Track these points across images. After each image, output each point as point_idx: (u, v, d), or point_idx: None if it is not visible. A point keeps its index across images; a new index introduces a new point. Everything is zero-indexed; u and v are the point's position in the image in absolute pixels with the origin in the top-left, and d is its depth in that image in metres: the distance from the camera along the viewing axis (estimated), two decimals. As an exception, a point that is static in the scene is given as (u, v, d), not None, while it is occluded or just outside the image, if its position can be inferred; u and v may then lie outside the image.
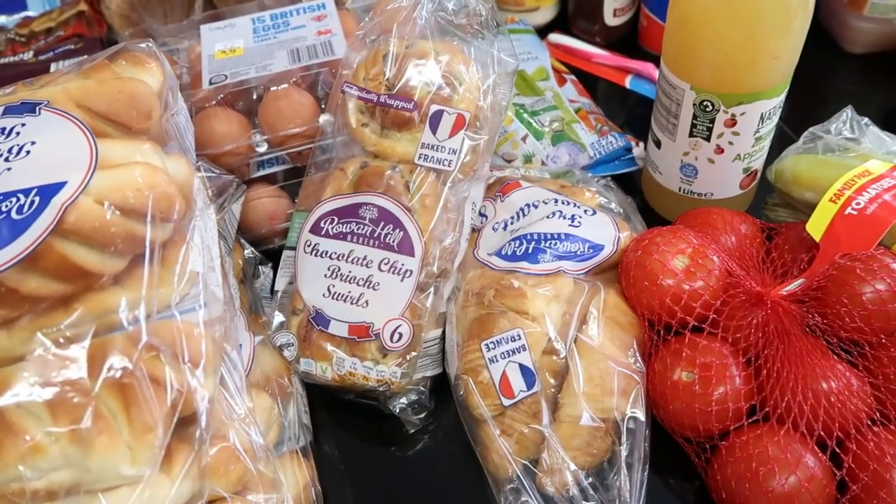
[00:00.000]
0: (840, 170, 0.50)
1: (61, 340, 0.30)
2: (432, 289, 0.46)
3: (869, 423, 0.42)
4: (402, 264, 0.45)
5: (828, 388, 0.42)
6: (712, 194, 0.56)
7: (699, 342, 0.44)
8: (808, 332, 0.45)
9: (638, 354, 0.45)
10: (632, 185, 0.63)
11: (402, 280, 0.45)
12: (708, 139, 0.52)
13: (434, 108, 0.46)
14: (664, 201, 0.59)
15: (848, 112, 0.55)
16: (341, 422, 0.49)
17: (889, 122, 0.69)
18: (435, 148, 0.46)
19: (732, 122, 0.51)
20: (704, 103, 0.50)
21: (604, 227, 0.49)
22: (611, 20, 0.77)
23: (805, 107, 0.69)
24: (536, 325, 0.43)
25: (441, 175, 0.47)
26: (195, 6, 0.74)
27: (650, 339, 0.46)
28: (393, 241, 0.45)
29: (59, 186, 0.32)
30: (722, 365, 0.43)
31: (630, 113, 0.72)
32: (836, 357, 0.44)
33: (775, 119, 0.53)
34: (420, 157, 0.47)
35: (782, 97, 0.51)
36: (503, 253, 0.47)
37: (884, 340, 0.43)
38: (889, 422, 0.42)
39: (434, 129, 0.46)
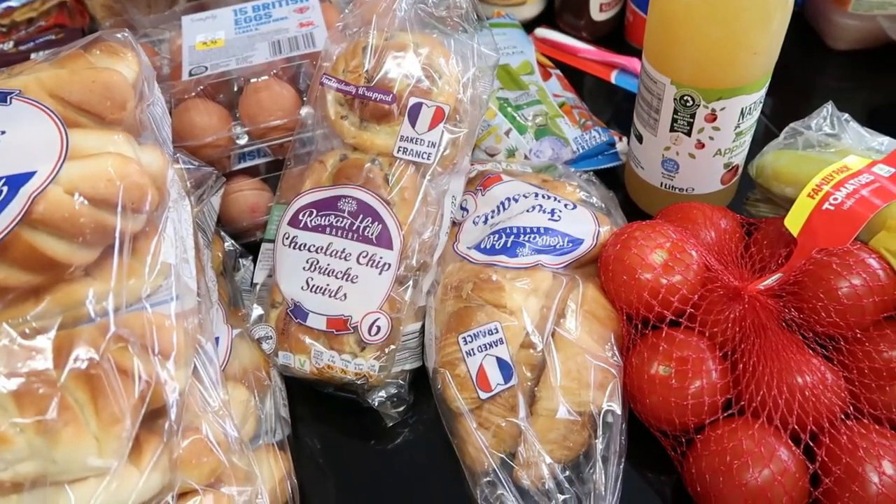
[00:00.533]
0: (820, 165, 0.50)
1: (27, 331, 0.30)
2: (411, 282, 0.46)
3: (842, 416, 0.42)
4: (381, 257, 0.45)
5: (802, 383, 0.42)
6: (693, 189, 0.56)
7: (676, 336, 0.44)
8: (784, 327, 0.45)
9: (615, 348, 0.45)
10: (614, 179, 0.63)
11: (380, 273, 0.44)
12: (689, 134, 0.52)
13: (413, 100, 0.46)
14: (646, 196, 0.59)
15: (828, 108, 0.55)
16: (320, 415, 0.49)
17: (873, 119, 0.69)
18: (414, 141, 0.46)
19: (713, 117, 0.51)
20: (685, 98, 0.50)
21: (584, 222, 0.49)
22: (597, 15, 0.77)
23: (788, 103, 0.70)
24: (514, 319, 0.43)
25: (420, 168, 0.47)
26: (178, -3, 0.74)
27: (628, 334, 0.46)
28: (371, 235, 0.45)
29: (28, 176, 0.32)
30: (698, 359, 0.43)
31: (615, 108, 0.72)
32: (811, 351, 0.44)
33: (756, 114, 0.53)
34: (399, 150, 0.46)
35: (762, 92, 0.51)
36: (482, 246, 0.47)
37: (859, 335, 0.44)
38: (862, 416, 0.42)
39: (413, 122, 0.46)
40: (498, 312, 0.43)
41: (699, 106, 0.50)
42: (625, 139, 0.63)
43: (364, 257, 0.45)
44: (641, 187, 0.59)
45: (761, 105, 0.53)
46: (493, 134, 0.62)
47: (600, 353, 0.43)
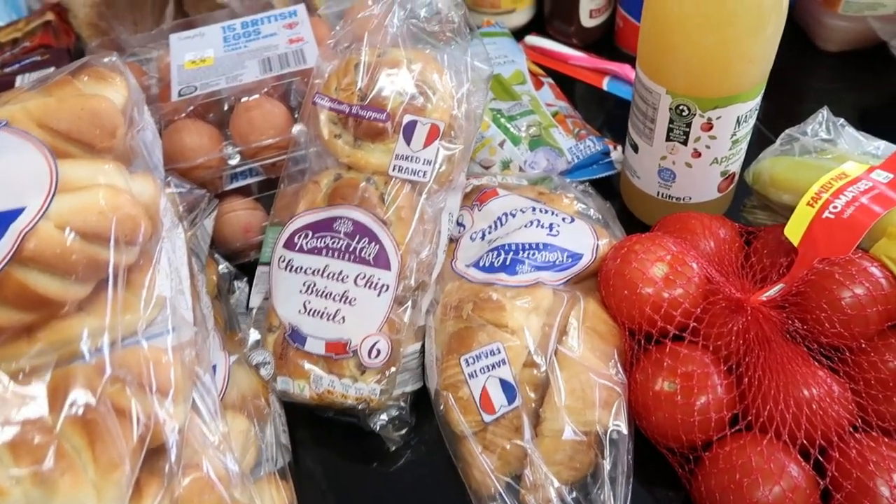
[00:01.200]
0: (817, 172, 0.50)
1: (21, 376, 0.29)
2: (410, 302, 0.45)
3: (851, 429, 0.42)
4: (379, 278, 0.44)
5: (809, 396, 0.41)
6: (690, 198, 0.56)
7: (680, 351, 0.44)
8: (788, 339, 0.44)
9: (619, 365, 0.44)
10: (610, 189, 0.62)
11: (378, 295, 0.44)
12: (685, 143, 0.52)
13: (407, 118, 0.46)
14: (642, 206, 0.59)
15: (824, 113, 0.55)
16: (321, 439, 0.48)
17: (865, 120, 0.69)
18: (409, 159, 0.46)
19: (709, 126, 0.51)
20: (680, 108, 0.50)
21: (582, 236, 0.49)
22: (587, 21, 0.77)
23: (781, 106, 0.69)
24: (516, 339, 0.43)
25: (416, 186, 0.46)
26: (166, 14, 0.73)
27: (631, 349, 0.45)
28: (369, 255, 0.44)
29: (17, 213, 0.31)
30: (703, 374, 0.43)
31: (608, 115, 0.71)
32: (816, 363, 0.43)
33: (752, 121, 0.53)
34: (394, 169, 0.46)
35: (758, 100, 0.51)
36: (481, 264, 0.46)
37: (864, 345, 0.43)
38: (871, 428, 0.42)
39: (408, 140, 0.46)
40: (499, 332, 0.43)
41: (695, 115, 0.50)
42: (619, 147, 0.63)
43: (362, 279, 0.44)
44: (638, 197, 0.59)
45: (757, 112, 0.52)
46: (488, 146, 0.62)
47: (604, 370, 0.43)
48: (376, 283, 0.44)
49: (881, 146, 0.54)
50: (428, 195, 0.47)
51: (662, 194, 0.56)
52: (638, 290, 0.45)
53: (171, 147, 0.49)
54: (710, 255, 0.50)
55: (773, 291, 0.45)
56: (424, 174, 0.46)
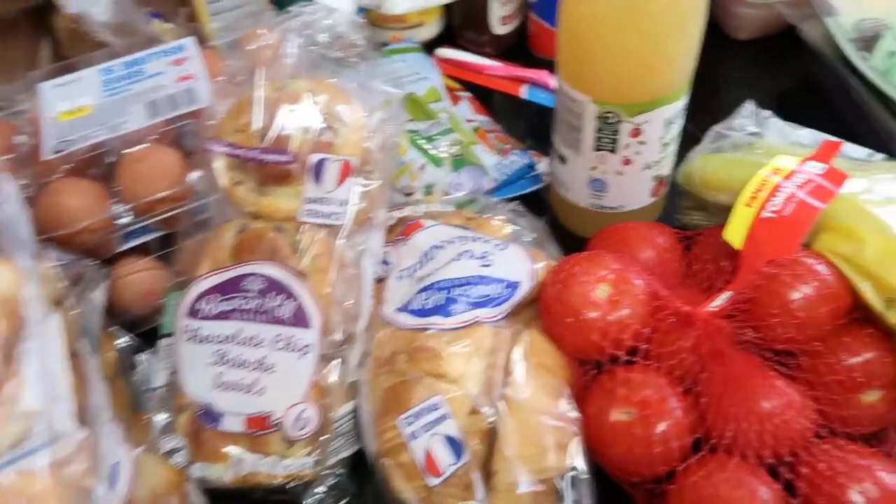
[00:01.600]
0: (748, 168, 0.48)
1: None
2: (338, 360, 0.41)
3: (817, 438, 0.40)
4: (299, 339, 0.39)
5: (771, 409, 0.39)
6: (624, 206, 0.53)
7: (632, 377, 0.41)
8: (742, 349, 0.42)
9: (571, 399, 0.41)
10: (541, 202, 0.59)
11: (300, 357, 0.39)
12: (614, 151, 0.49)
13: (315, 157, 0.41)
14: (575, 218, 0.56)
15: (749, 106, 0.54)
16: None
17: (784, 106, 0.68)
18: (321, 201, 0.41)
19: (637, 132, 0.48)
20: (606, 115, 0.47)
21: (518, 261, 0.46)
22: (498, 29, 0.74)
23: (700, 98, 0.68)
24: (457, 388, 0.39)
25: (333, 230, 0.42)
26: (39, 57, 0.66)
27: (581, 379, 0.42)
28: (285, 314, 0.40)
29: None
30: (660, 399, 0.40)
31: (529, 124, 0.68)
32: (774, 372, 0.41)
33: (680, 123, 0.51)
34: (306, 214, 0.41)
35: (685, 100, 0.49)
36: (412, 308, 0.42)
37: (819, 347, 0.41)
38: (836, 434, 0.40)
39: (318, 181, 0.41)
40: (438, 383, 0.39)
41: (622, 122, 0.47)
42: (545, 159, 0.60)
43: (279, 341, 0.39)
44: (570, 209, 0.56)
45: (685, 112, 0.50)
46: (407, 171, 0.58)
47: (556, 409, 0.40)
48: (296, 345, 0.39)
49: (805, 134, 0.53)
50: (347, 238, 0.42)
51: (595, 205, 0.54)
52: (582, 315, 0.42)
53: (48, 213, 0.44)
54: (653, 267, 0.47)
55: (720, 300, 0.43)
56: (340, 216, 0.42)
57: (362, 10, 0.45)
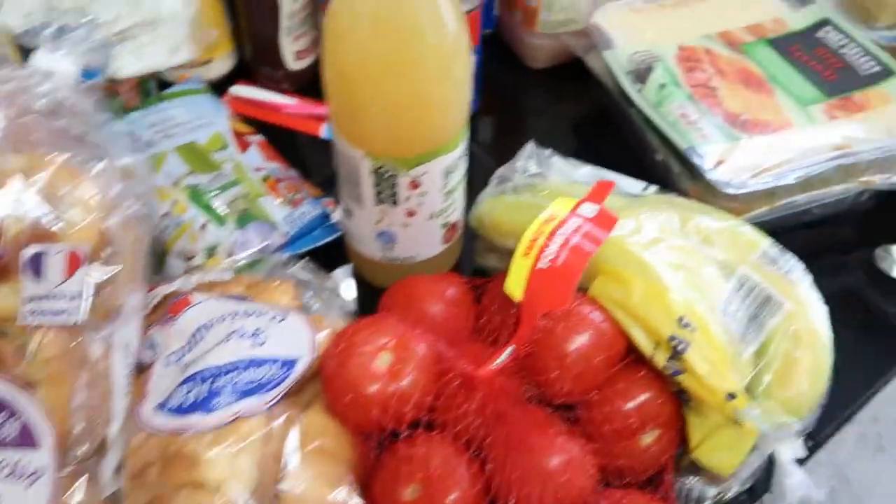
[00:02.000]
0: (531, 212, 0.47)
1: None
2: (85, 477, 0.36)
3: (600, 489, 0.40)
4: (27, 463, 0.34)
5: (551, 468, 0.39)
6: (415, 257, 0.52)
7: (415, 452, 0.39)
8: (528, 406, 0.42)
9: (353, 484, 0.38)
10: (340, 252, 0.57)
11: (30, 485, 0.34)
12: (395, 203, 0.48)
13: (29, 251, 0.36)
14: (371, 270, 0.54)
15: (530, 147, 0.54)
16: None
17: (578, 133, 0.71)
18: (47, 298, 0.36)
19: (416, 185, 0.47)
20: (381, 170, 0.46)
21: (296, 334, 0.42)
22: (293, 64, 0.71)
23: (502, 126, 0.69)
24: (222, 496, 0.35)
25: (70, 328, 0.37)
26: None
27: (368, 458, 0.40)
28: (8, 436, 0.34)
29: None
30: (445, 472, 0.38)
31: (329, 167, 0.66)
32: (557, 428, 0.41)
33: (462, 169, 0.50)
34: (29, 315, 0.36)
35: (463, 147, 0.48)
36: (171, 406, 0.38)
37: (595, 397, 0.42)
38: (618, 484, 0.40)
39: (38, 276, 0.36)
40: (199, 493, 0.35)
41: (398, 176, 0.46)
42: (340, 206, 0.57)
43: (4, 468, 0.34)
44: (363, 261, 0.54)
45: (467, 157, 0.49)
46: (187, 232, 0.53)
47: (334, 499, 0.37)
48: (24, 471, 0.34)
49: (586, 172, 0.54)
50: (88, 334, 0.37)
51: (387, 258, 0.52)
52: (360, 390, 0.39)
53: None
54: (442, 322, 0.46)
55: (502, 358, 0.42)
56: (72, 312, 0.36)
57: (91, 75, 0.40)
